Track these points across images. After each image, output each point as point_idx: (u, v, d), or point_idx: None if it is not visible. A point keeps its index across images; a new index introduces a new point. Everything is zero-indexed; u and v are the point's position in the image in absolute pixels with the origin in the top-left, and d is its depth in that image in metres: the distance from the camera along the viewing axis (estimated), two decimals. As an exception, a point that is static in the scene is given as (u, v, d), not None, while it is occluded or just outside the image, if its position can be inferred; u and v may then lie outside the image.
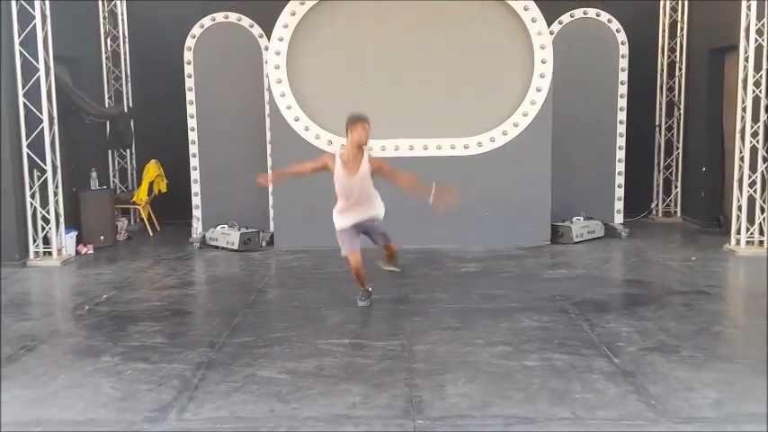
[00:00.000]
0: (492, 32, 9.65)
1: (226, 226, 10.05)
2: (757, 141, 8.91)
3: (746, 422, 4.23)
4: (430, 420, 4.29)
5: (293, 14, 9.54)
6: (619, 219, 10.58)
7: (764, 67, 8.76)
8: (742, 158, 9.04)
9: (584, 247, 9.75)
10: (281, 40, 9.57)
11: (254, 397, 4.68)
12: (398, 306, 7.02)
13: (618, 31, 10.35)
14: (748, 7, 8.78)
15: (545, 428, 4.21)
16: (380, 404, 4.55)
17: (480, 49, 9.63)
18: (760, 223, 9.00)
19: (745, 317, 6.93)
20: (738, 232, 9.12)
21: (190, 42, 10.16)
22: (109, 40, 11.61)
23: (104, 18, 11.52)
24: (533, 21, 9.49)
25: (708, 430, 4.17)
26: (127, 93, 11.79)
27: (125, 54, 11.75)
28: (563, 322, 6.32)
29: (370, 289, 6.99)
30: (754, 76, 8.84)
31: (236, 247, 9.70)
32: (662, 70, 11.86)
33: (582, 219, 10.09)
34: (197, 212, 10.40)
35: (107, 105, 11.51)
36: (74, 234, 9.61)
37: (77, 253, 9.60)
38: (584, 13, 10.32)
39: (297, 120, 9.59)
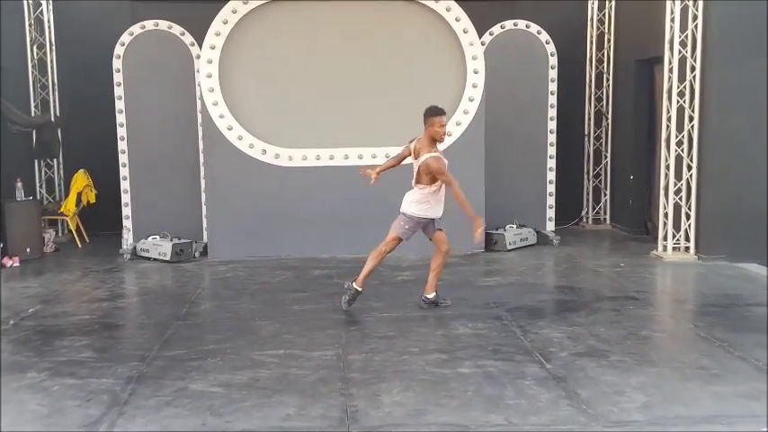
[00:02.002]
0: (424, 42, 9.75)
1: (157, 236, 9.84)
2: (682, 150, 9.19)
3: (674, 425, 4.33)
4: (365, 430, 4.28)
5: (225, 23, 9.45)
6: (550, 226, 10.77)
7: (688, 77, 9.05)
8: (668, 167, 9.30)
9: (516, 254, 9.90)
10: (212, 48, 9.47)
11: (186, 411, 4.59)
12: (334, 315, 6.96)
13: (547, 42, 10.56)
14: (672, 20, 9.06)
15: (479, 435, 4.25)
16: (316, 415, 4.51)
17: (412, 59, 9.72)
18: (686, 230, 9.25)
19: (672, 321, 7.11)
20: (665, 239, 9.37)
21: (119, 50, 9.95)
22: (35, 47, 11.29)
23: (30, 25, 11.19)
24: (465, 32, 9.62)
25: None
26: (54, 101, 11.45)
27: (52, 62, 11.43)
28: (497, 329, 6.38)
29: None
30: (678, 87, 9.11)
31: (168, 258, 9.51)
32: (590, 81, 12.17)
33: (515, 227, 10.24)
34: (127, 223, 10.16)
35: (33, 114, 11.18)
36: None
37: (2, 266, 9.28)
38: (515, 25, 10.50)
39: (230, 129, 9.49)
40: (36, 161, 11.46)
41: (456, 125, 9.58)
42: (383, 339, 6.16)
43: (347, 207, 9.47)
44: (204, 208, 9.93)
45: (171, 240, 9.71)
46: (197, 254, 9.87)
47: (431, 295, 7.05)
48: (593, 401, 4.65)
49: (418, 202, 6.77)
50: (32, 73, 11.29)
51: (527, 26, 10.52)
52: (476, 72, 9.64)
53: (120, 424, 4.41)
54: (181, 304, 7.54)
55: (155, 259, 9.64)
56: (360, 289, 6.94)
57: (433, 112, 6.68)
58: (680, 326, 6.83)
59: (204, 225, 10.02)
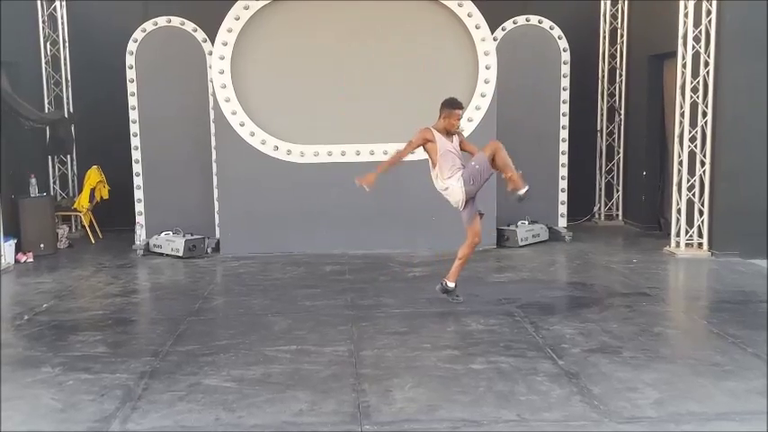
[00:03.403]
0: (437, 39, 9.74)
1: (170, 232, 9.86)
2: (695, 146, 9.14)
3: (687, 422, 4.32)
4: (377, 425, 4.29)
5: (237, 19, 9.48)
6: (562, 222, 10.77)
7: (701, 73, 9.01)
8: (681, 163, 9.27)
9: (529, 250, 9.89)
10: (225, 44, 9.49)
11: (199, 406, 4.61)
12: (345, 311, 6.98)
13: (560, 37, 10.54)
14: (685, 15, 9.01)
15: (491, 430, 4.25)
16: (328, 410, 4.52)
17: (426, 55, 9.70)
18: (699, 226, 9.22)
19: (685, 318, 7.09)
20: (678, 235, 9.34)
21: (132, 47, 10.00)
22: (48, 44, 11.32)
23: (44, 22, 11.23)
24: (477, 27, 9.60)
25: (650, 430, 4.23)
26: (67, 97, 11.48)
27: (65, 58, 11.45)
28: (509, 325, 6.38)
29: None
30: (692, 82, 9.07)
31: (180, 254, 9.54)
32: (603, 76, 12.09)
33: (527, 223, 10.21)
34: (140, 219, 10.22)
35: (47, 110, 11.23)
36: (13, 242, 9.34)
37: (17, 261, 9.34)
38: (527, 21, 10.49)
39: (242, 125, 9.52)
40: (50, 157, 11.51)
41: (468, 121, 9.54)
42: (395, 335, 6.17)
43: (359, 203, 9.47)
44: (216, 204, 9.99)
45: (183, 236, 9.73)
46: (209, 250, 9.92)
47: (451, 284, 7.03)
48: (606, 397, 4.65)
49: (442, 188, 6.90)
50: (46, 69, 11.32)
51: (539, 21, 10.51)
52: (488, 68, 9.62)
53: (133, 419, 4.44)
54: (194, 300, 7.59)
55: (167, 255, 9.68)
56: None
57: (454, 105, 6.84)
58: (693, 322, 6.82)
59: (216, 221, 10.09)
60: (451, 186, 6.74)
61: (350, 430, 4.26)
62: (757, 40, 8.69)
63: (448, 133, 6.85)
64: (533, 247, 10.02)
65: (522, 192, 6.76)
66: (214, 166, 9.91)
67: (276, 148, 9.51)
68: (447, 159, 6.76)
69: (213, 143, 9.95)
